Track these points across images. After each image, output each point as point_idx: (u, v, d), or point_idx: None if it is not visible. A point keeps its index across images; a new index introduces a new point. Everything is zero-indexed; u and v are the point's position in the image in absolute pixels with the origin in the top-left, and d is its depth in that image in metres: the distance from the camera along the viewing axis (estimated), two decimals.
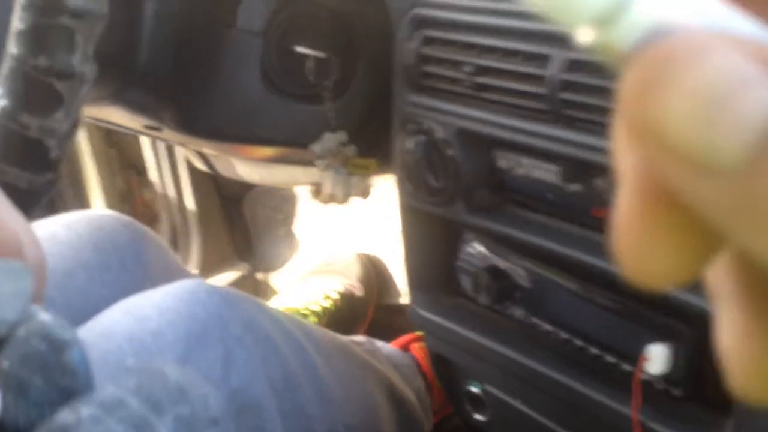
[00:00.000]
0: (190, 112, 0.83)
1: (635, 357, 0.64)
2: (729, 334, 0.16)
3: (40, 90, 0.62)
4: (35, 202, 0.61)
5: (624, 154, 0.15)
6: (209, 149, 0.98)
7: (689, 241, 0.15)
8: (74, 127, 0.65)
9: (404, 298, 1.42)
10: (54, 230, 0.81)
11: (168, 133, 0.81)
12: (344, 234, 1.48)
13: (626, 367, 0.67)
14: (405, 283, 0.86)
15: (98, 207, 1.40)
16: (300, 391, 0.83)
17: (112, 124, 0.88)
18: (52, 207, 1.36)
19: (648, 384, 0.64)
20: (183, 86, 0.82)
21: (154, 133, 0.83)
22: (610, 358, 0.68)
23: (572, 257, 0.66)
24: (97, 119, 0.90)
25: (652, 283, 0.15)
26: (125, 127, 0.89)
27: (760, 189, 0.13)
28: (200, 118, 0.84)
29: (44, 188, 0.61)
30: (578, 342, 0.70)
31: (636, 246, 0.15)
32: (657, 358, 0.62)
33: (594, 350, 0.69)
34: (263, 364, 0.75)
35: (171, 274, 0.88)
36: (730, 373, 0.16)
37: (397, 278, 1.45)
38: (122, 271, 0.83)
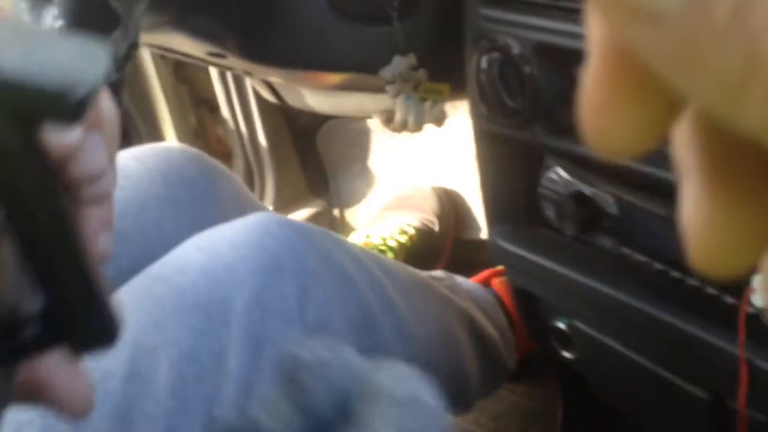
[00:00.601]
0: (254, 38, 0.79)
1: (740, 288, 0.58)
2: (690, 206, 0.16)
3: (95, 8, 0.60)
4: None
5: (592, 24, 0.16)
6: (275, 78, 0.94)
7: (649, 103, 0.15)
8: (132, 48, 0.63)
9: (483, 233, 1.37)
10: (124, 162, 0.79)
11: (232, 61, 0.77)
12: (420, 168, 1.43)
13: (729, 299, 0.60)
14: (484, 217, 0.81)
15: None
16: (378, 328, 0.80)
17: (176, 52, 0.84)
18: (128, 142, 1.35)
19: (754, 318, 0.58)
20: (247, 11, 0.78)
21: (218, 60, 0.80)
22: (711, 290, 0.61)
23: (664, 178, 0.59)
24: (159, 46, 0.87)
25: (613, 151, 0.16)
26: (188, 55, 0.86)
27: (696, 33, 0.13)
28: (265, 43, 0.80)
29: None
30: (675, 273, 0.64)
31: (599, 111, 0.16)
32: (765, 289, 0.56)
33: (693, 281, 0.63)
34: (341, 300, 0.73)
35: (244, 208, 0.86)
36: (689, 247, 0.16)
37: (476, 212, 1.39)
38: (193, 204, 0.82)
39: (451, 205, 1.42)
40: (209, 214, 0.80)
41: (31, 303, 0.21)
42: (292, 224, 0.74)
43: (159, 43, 0.86)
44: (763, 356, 0.57)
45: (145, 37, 0.61)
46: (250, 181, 1.45)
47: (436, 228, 1.40)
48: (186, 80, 1.40)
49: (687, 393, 0.65)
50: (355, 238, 1.34)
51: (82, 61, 0.19)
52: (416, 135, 1.00)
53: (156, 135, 1.44)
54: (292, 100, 1.01)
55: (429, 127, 0.87)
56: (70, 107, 0.19)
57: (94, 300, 0.21)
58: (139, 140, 1.41)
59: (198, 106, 1.44)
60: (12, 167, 0.19)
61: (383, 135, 1.41)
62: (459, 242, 1.41)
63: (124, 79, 0.63)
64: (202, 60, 0.86)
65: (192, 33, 0.78)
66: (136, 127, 1.42)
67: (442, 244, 1.42)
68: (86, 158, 0.29)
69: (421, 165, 1.43)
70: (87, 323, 0.21)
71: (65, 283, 0.21)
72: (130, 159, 0.81)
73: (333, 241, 0.77)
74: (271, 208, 1.45)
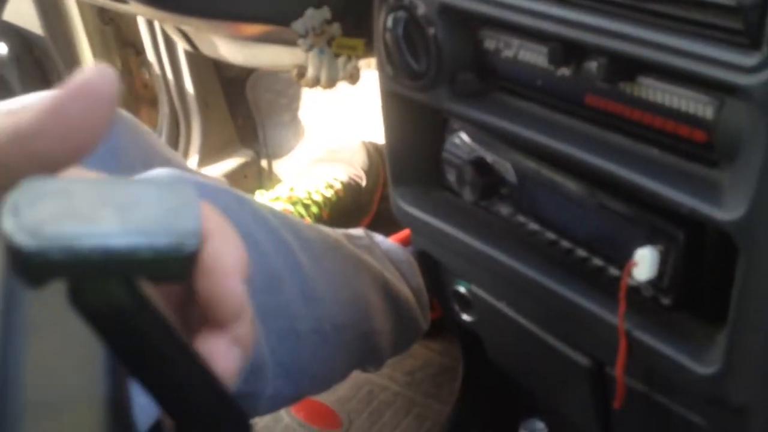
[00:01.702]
0: None
1: (623, 261, 0.58)
2: None
3: None
4: None
5: None
6: (188, 26, 0.91)
7: None
8: None
9: None
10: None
11: (134, 6, 0.74)
12: (351, 121, 1.42)
13: (614, 271, 0.61)
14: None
15: None
16: (282, 290, 0.80)
17: None
18: (46, 81, 1.31)
19: (635, 291, 0.59)
20: None
21: (118, 4, 0.76)
22: (597, 262, 0.62)
23: (560, 150, 0.59)
24: None
25: None
26: None
27: None
28: None
29: None
30: (565, 243, 0.64)
31: None
32: (645, 263, 0.57)
33: (581, 253, 0.63)
34: None
35: (150, 161, 0.84)
36: None
37: None
38: (93, 156, 0.79)
39: (380, 160, 1.41)
40: (109, 168, 0.78)
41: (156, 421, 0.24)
42: (193, 182, 0.72)
43: None
44: (641, 327, 0.59)
45: None
46: (176, 128, 1.42)
47: (364, 183, 1.40)
48: (110, 21, 1.35)
49: (571, 359, 0.67)
50: (280, 191, 1.33)
51: (176, 212, 0.21)
52: (346, 88, 0.98)
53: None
54: (206, 49, 0.98)
55: (341, 83, 0.85)
56: (181, 266, 0.20)
57: (211, 417, 0.24)
58: (58, 79, 1.36)
59: (123, 48, 1.40)
60: (130, 323, 0.21)
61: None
62: (386, 198, 1.41)
63: None
64: (102, 4, 0.83)
65: None
66: (57, 67, 1.37)
67: (370, 199, 1.42)
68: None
69: (352, 118, 1.42)
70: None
71: (182, 410, 0.23)
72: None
73: (237, 200, 0.76)
74: (197, 156, 1.43)
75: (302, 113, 1.45)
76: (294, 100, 1.43)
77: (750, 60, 0.46)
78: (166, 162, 0.88)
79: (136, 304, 0.21)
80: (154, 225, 0.20)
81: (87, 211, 0.20)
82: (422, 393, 1.19)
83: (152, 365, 0.22)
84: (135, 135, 0.84)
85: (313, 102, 1.43)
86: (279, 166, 1.48)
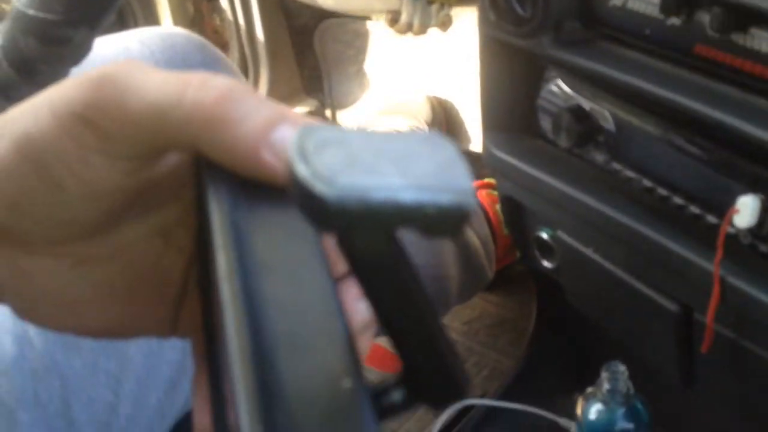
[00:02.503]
0: None
1: (723, 209, 0.60)
2: None
3: None
4: (111, 3, 0.59)
5: None
6: None
7: None
8: None
9: (473, 146, 1.38)
10: (128, 45, 0.79)
11: None
12: (416, 75, 1.43)
13: (711, 219, 0.63)
14: (475, 129, 0.82)
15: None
16: None
17: None
18: (124, 25, 1.34)
19: (733, 238, 0.61)
20: None
21: None
22: (694, 209, 0.64)
23: (666, 98, 0.61)
24: None
25: None
26: None
27: None
28: None
29: None
30: (662, 191, 0.66)
31: None
32: (747, 211, 0.58)
33: (678, 200, 0.65)
34: None
35: None
36: None
37: (469, 124, 1.40)
38: None
39: (443, 115, 1.42)
40: None
41: (396, 373, 0.25)
42: None
43: None
44: (737, 274, 0.60)
45: None
46: (244, 75, 1.44)
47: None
48: None
49: (659, 305, 0.68)
50: None
51: (447, 168, 0.21)
52: (415, 41, 1.00)
53: (152, 21, 1.41)
54: None
55: (433, 32, 0.87)
56: (457, 222, 0.20)
57: (443, 367, 0.24)
58: (135, 25, 1.39)
59: None
60: (392, 272, 0.22)
61: (381, 39, 1.40)
62: None
63: None
64: None
65: None
66: (133, 11, 1.40)
67: None
68: None
69: (417, 73, 1.43)
70: (438, 385, 0.24)
71: (419, 356, 0.24)
72: (135, 42, 0.81)
73: None
74: None
75: (368, 65, 1.46)
76: (361, 52, 1.44)
77: None
78: None
79: (399, 254, 0.22)
80: (434, 181, 0.20)
81: (370, 162, 0.21)
82: (479, 342, 1.21)
83: (402, 313, 0.23)
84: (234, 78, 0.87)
85: (379, 54, 1.45)
86: (343, 117, 1.50)
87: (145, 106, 0.24)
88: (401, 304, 0.23)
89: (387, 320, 0.23)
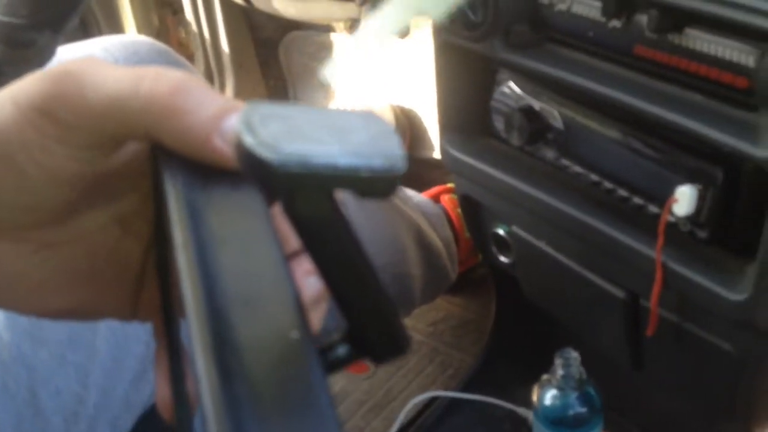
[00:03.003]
0: None
1: (663, 199, 0.64)
2: None
3: None
4: (73, 7, 0.62)
5: None
6: None
7: None
8: None
9: (436, 153, 1.42)
10: (91, 52, 0.81)
11: None
12: (379, 85, 1.46)
13: (653, 209, 0.67)
14: (437, 134, 0.86)
15: None
16: None
17: None
18: (88, 36, 1.35)
19: (673, 226, 0.65)
20: None
21: None
22: (638, 200, 0.68)
23: (609, 97, 0.65)
24: None
25: None
26: None
27: None
28: None
29: None
30: (608, 184, 0.70)
31: None
32: (685, 200, 0.62)
33: (623, 192, 0.69)
34: None
35: None
36: None
37: (431, 132, 1.44)
38: None
39: (407, 123, 1.46)
40: None
41: (341, 329, 0.27)
42: None
43: None
44: (677, 260, 0.64)
45: None
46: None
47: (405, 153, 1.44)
48: None
49: (607, 292, 0.72)
50: None
51: (380, 137, 0.23)
52: (377, 54, 1.03)
53: (117, 33, 1.44)
54: (258, 2, 1.03)
55: (393, 41, 0.90)
56: (389, 185, 0.23)
57: (384, 323, 0.27)
58: (99, 36, 1.41)
59: (161, 7, 1.45)
60: (332, 231, 0.24)
61: (346, 50, 1.44)
62: (412, 159, 1.45)
63: None
64: None
65: None
66: (97, 23, 1.42)
67: None
68: None
69: (380, 83, 1.46)
70: (380, 341, 0.27)
71: (361, 313, 0.26)
72: (98, 49, 0.83)
73: None
74: None
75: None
76: (325, 64, 1.47)
77: None
78: None
79: (339, 216, 0.24)
80: (368, 149, 0.23)
81: (310, 132, 0.23)
82: (444, 343, 1.25)
83: (343, 270, 0.25)
84: None
85: (342, 65, 1.48)
86: None
87: (103, 98, 0.26)
88: (342, 263, 0.25)
89: (331, 280, 0.26)
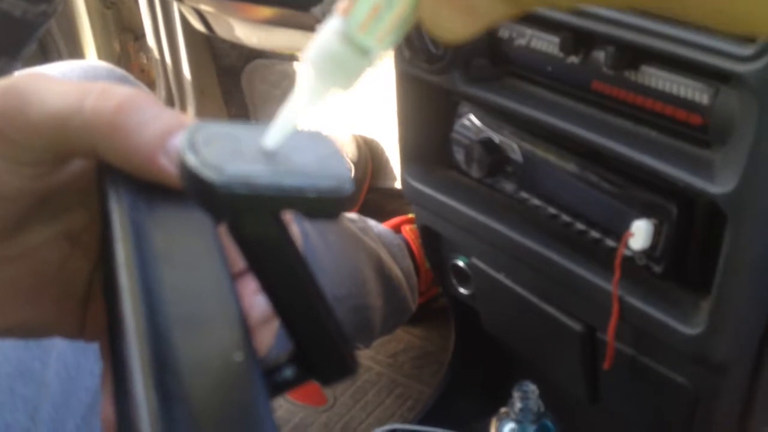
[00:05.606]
0: None
1: (620, 234, 0.64)
2: None
3: None
4: (29, 33, 0.61)
5: None
6: (206, 6, 0.95)
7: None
8: None
9: (398, 183, 1.42)
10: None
11: None
12: (342, 115, 1.47)
13: (610, 243, 0.67)
14: (399, 165, 0.86)
15: None
16: None
17: None
18: (47, 60, 1.34)
19: (630, 260, 0.65)
20: None
21: None
22: (595, 234, 0.68)
23: (567, 131, 0.65)
24: None
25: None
26: None
27: None
28: None
29: (38, 19, 0.60)
30: (565, 217, 0.70)
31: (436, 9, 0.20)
32: (640, 234, 0.63)
33: (580, 226, 0.69)
34: None
35: None
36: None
37: (393, 162, 1.44)
38: None
39: (369, 153, 1.46)
40: None
41: (287, 352, 0.26)
42: None
43: None
44: (633, 293, 0.65)
45: None
46: None
47: (352, 174, 1.45)
48: (112, 5, 1.39)
49: (565, 325, 0.72)
50: None
51: (328, 159, 0.23)
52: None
53: (77, 58, 1.42)
54: (221, 30, 1.02)
55: None
56: (336, 206, 0.23)
57: (330, 344, 0.26)
58: (59, 60, 1.39)
59: (123, 33, 1.44)
60: (278, 252, 0.24)
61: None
62: (374, 189, 1.46)
63: None
64: None
65: None
66: (57, 49, 1.40)
67: (357, 190, 1.47)
68: None
69: (343, 112, 1.47)
70: (327, 362, 0.27)
71: (307, 334, 0.26)
72: (57, 74, 0.82)
73: None
74: None
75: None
76: (288, 92, 1.47)
77: (746, 50, 0.52)
78: None
79: (285, 237, 0.24)
80: (314, 169, 0.23)
81: (255, 153, 0.23)
82: (404, 374, 1.24)
83: (289, 291, 0.25)
84: None
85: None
86: None
87: (46, 114, 0.25)
88: (288, 284, 0.25)
89: (276, 300, 0.25)
